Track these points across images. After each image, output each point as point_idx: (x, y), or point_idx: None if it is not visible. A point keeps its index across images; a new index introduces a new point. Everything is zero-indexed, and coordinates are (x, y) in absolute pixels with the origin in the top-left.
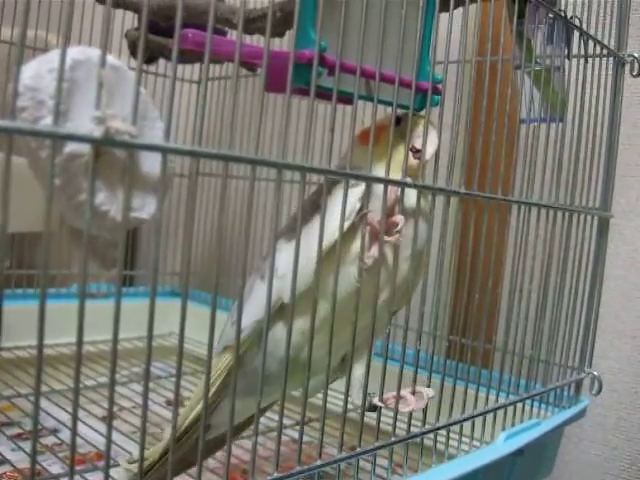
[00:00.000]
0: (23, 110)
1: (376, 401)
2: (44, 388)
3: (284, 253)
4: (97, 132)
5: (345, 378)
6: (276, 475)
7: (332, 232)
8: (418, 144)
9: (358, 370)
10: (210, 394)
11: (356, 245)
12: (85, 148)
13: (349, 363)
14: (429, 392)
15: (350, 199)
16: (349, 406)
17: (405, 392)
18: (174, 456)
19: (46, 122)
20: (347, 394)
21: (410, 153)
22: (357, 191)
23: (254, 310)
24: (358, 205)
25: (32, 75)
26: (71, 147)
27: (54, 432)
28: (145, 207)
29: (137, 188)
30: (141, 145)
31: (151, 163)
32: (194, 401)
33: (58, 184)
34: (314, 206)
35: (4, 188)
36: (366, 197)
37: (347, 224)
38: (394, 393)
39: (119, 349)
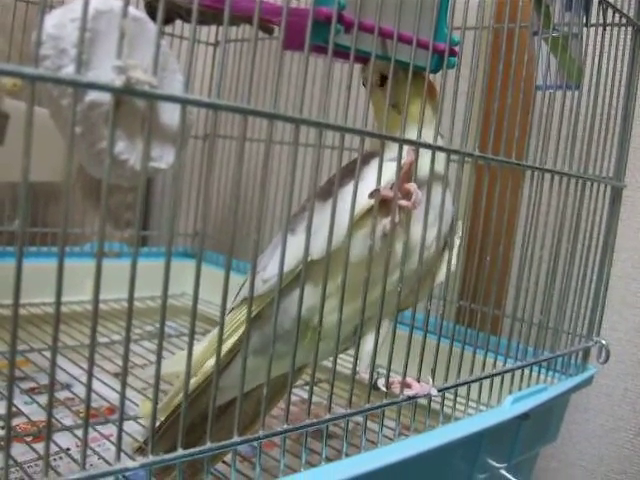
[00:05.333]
0: (45, 58)
1: (381, 384)
2: (57, 344)
3: (316, 213)
4: (118, 81)
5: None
6: (286, 427)
7: (361, 204)
8: None
9: (368, 344)
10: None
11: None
12: (106, 97)
13: (360, 329)
14: (433, 390)
15: (386, 172)
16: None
17: (410, 379)
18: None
19: (68, 71)
20: (357, 356)
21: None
22: (393, 165)
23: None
24: (394, 178)
25: (55, 24)
26: (92, 96)
27: (67, 387)
28: (164, 157)
29: (156, 138)
30: (161, 96)
31: (170, 114)
32: (202, 358)
33: (79, 132)
34: (351, 173)
35: (27, 135)
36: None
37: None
38: (399, 378)
39: None
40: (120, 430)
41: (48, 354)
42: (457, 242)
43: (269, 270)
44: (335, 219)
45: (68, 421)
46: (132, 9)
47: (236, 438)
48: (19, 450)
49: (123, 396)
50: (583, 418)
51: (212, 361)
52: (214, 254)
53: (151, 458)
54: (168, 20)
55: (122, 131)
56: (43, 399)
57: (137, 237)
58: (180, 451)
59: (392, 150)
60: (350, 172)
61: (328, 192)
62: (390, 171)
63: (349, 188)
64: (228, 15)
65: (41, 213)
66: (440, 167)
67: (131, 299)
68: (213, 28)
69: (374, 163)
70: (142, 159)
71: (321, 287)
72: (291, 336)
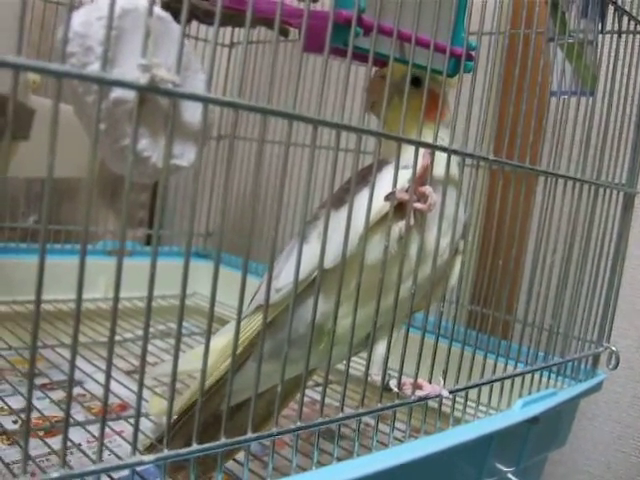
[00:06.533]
0: (72, 56)
1: (392, 385)
2: (68, 340)
3: (330, 220)
4: (143, 79)
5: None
6: (299, 424)
7: (375, 209)
8: None
9: (380, 347)
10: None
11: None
12: (130, 95)
13: (373, 332)
14: (444, 392)
15: (400, 177)
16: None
17: (422, 380)
18: (193, 420)
19: (93, 68)
20: (369, 358)
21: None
22: (406, 173)
23: (294, 271)
24: (407, 185)
25: (82, 22)
26: (117, 93)
27: (79, 383)
28: (185, 155)
29: (178, 136)
30: (184, 94)
31: (192, 113)
32: (214, 362)
33: (103, 129)
34: (363, 180)
35: (52, 129)
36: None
37: (389, 206)
38: (411, 380)
39: (141, 306)
40: (137, 424)
41: (61, 351)
42: (468, 247)
43: (282, 279)
44: (348, 227)
45: (80, 417)
46: (157, 9)
47: (250, 434)
48: (31, 444)
49: (141, 391)
50: (591, 425)
51: (224, 364)
52: (226, 255)
53: (166, 452)
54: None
55: (145, 128)
56: (56, 395)
57: (156, 236)
58: (195, 446)
59: (404, 158)
60: (362, 179)
61: (339, 200)
62: (404, 176)
63: (362, 194)
64: (250, 16)
65: (55, 211)
66: (454, 172)
67: (150, 298)
68: (228, 30)
69: (386, 171)
70: (164, 156)
71: (334, 293)
72: (305, 341)
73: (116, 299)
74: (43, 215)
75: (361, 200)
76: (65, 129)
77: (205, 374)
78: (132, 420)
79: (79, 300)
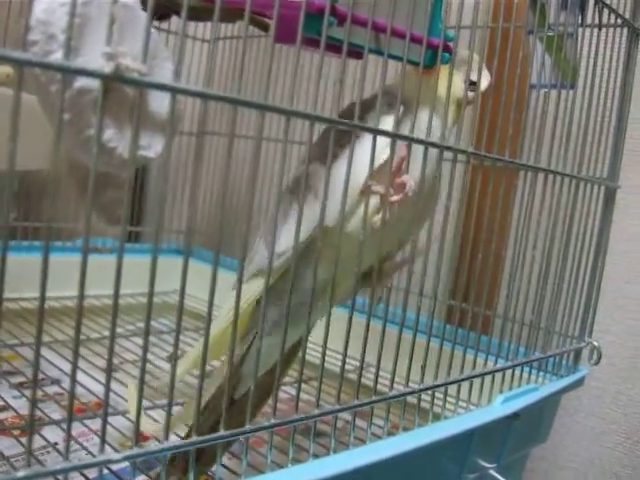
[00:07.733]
0: (34, 44)
1: None
2: (47, 339)
3: (323, 180)
4: (107, 68)
5: None
6: (274, 421)
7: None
8: (473, 77)
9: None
10: (239, 338)
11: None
12: (95, 84)
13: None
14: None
15: (379, 143)
16: (347, 367)
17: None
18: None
19: (57, 56)
20: (346, 351)
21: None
22: (385, 140)
23: (293, 234)
24: (388, 152)
25: (44, 9)
26: (81, 82)
27: (57, 382)
28: (152, 146)
29: (145, 127)
30: (150, 84)
31: (159, 103)
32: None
33: (67, 119)
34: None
35: (14, 120)
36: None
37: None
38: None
39: (123, 304)
40: (104, 422)
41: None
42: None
43: (282, 242)
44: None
45: (56, 416)
46: None
47: (222, 432)
48: (6, 444)
49: (108, 389)
50: (574, 421)
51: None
52: (206, 251)
53: (135, 450)
54: (164, 16)
55: (111, 119)
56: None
57: (124, 229)
58: (165, 443)
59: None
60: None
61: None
62: (383, 143)
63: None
64: (219, 4)
65: (34, 207)
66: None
67: (116, 295)
68: (208, 26)
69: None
70: (130, 147)
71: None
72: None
73: (81, 296)
74: (3, 208)
75: (361, 151)
76: (30, 120)
77: (204, 370)
78: (109, 418)
79: (42, 298)
